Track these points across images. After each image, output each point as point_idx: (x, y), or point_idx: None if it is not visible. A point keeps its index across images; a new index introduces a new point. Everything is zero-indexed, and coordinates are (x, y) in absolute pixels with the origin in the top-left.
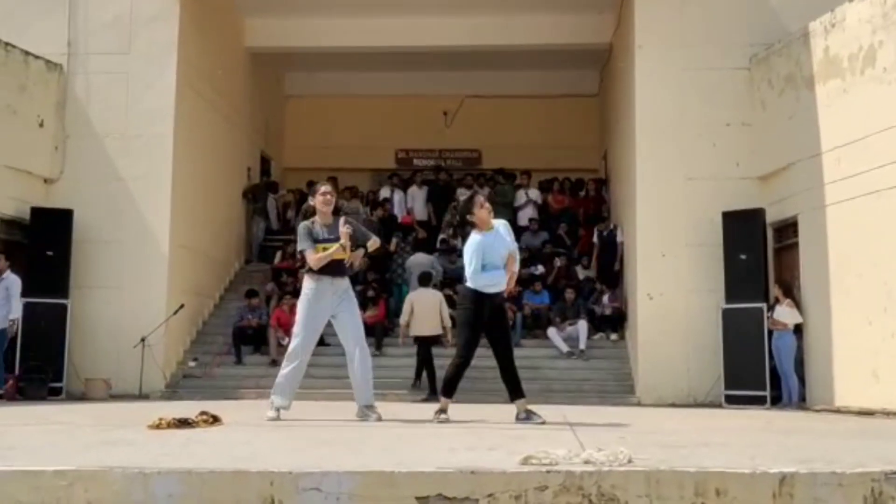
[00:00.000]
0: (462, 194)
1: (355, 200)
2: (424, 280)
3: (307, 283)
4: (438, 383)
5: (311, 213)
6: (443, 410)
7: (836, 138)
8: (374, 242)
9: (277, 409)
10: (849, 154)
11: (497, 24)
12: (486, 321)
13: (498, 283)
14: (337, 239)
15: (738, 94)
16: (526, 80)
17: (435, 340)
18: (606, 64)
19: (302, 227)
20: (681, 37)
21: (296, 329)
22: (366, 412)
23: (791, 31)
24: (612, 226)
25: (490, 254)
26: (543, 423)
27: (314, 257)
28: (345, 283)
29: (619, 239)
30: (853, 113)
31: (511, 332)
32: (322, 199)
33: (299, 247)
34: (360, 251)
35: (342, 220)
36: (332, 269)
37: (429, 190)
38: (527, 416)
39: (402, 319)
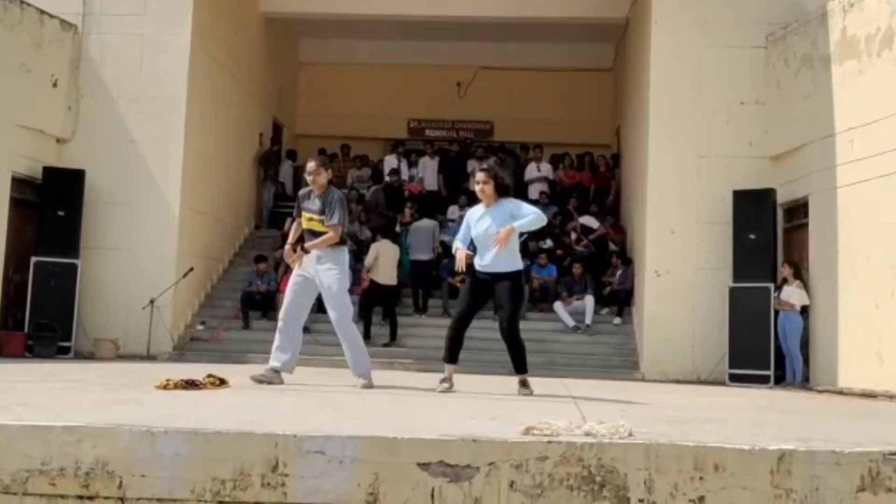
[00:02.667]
0: (472, 165)
1: (365, 169)
2: (384, 231)
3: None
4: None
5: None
6: (445, 379)
7: (849, 120)
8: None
9: (271, 369)
10: (862, 136)
11: None
12: (482, 293)
13: (482, 264)
14: (318, 211)
15: (754, 72)
16: (540, 53)
17: (391, 291)
18: (622, 39)
19: (299, 194)
20: (698, 13)
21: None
22: (362, 379)
23: (809, 11)
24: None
25: (474, 230)
26: (529, 394)
27: (285, 230)
28: (327, 257)
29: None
30: (868, 95)
31: (515, 307)
32: (308, 177)
33: (295, 214)
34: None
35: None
36: (310, 238)
37: (440, 160)
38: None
39: (367, 263)
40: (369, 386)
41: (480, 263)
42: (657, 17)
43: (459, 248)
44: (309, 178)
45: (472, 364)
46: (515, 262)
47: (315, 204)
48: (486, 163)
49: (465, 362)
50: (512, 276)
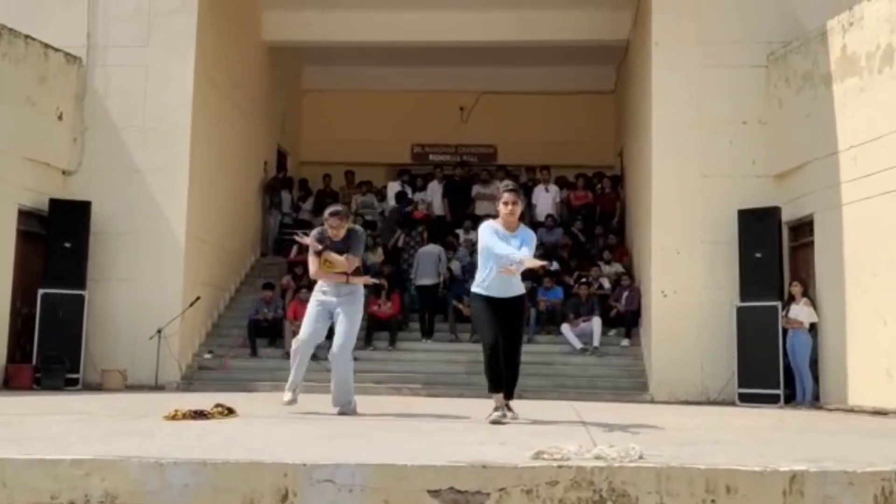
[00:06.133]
0: (476, 190)
1: (370, 195)
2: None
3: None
4: None
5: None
6: (496, 408)
7: (852, 137)
8: (350, 261)
9: (290, 390)
10: (865, 153)
11: (513, 19)
12: (497, 315)
13: (497, 289)
14: (338, 251)
15: (756, 91)
16: (542, 77)
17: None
18: (623, 60)
19: (316, 230)
20: (698, 34)
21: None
22: (343, 411)
23: (809, 29)
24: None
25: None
26: (506, 419)
27: (312, 269)
28: (348, 287)
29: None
30: (870, 112)
31: (519, 333)
32: (331, 230)
33: (311, 248)
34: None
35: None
36: (334, 276)
37: (445, 185)
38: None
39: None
40: (351, 412)
41: (489, 291)
42: (657, 38)
43: (525, 258)
44: (332, 232)
45: (474, 388)
46: (522, 287)
47: (337, 246)
48: (506, 183)
49: (464, 386)
50: (523, 300)
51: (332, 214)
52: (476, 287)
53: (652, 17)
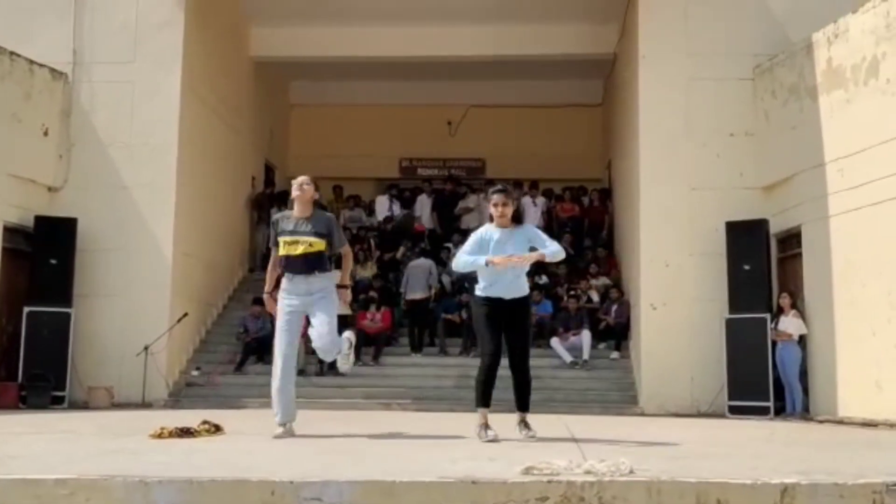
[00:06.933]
0: (463, 204)
1: (358, 209)
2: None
3: (282, 281)
4: None
5: (292, 204)
6: (485, 426)
7: (839, 149)
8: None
9: (283, 425)
10: (852, 165)
11: (501, 34)
12: (499, 323)
13: (498, 291)
14: (307, 233)
15: (742, 104)
16: (530, 90)
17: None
18: (610, 74)
19: (272, 220)
20: (684, 47)
21: (276, 335)
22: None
23: (795, 42)
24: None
25: (493, 254)
26: (533, 436)
27: (273, 259)
28: (321, 282)
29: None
30: (856, 124)
31: (530, 337)
32: (296, 192)
33: (270, 243)
34: (345, 293)
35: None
36: (302, 265)
37: (434, 199)
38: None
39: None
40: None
41: (493, 292)
42: (644, 51)
43: (491, 258)
44: (298, 193)
45: (464, 402)
46: (527, 286)
47: (304, 226)
48: (495, 187)
49: (454, 401)
50: (528, 302)
51: (302, 176)
52: (478, 291)
53: (639, 30)
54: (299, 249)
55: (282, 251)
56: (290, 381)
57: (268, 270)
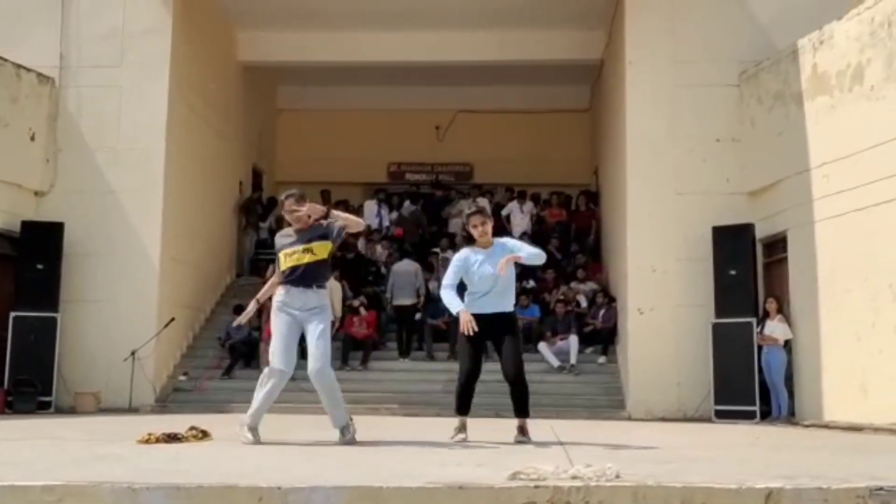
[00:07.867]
0: (451, 208)
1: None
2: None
3: (276, 293)
4: None
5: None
6: (460, 429)
7: (824, 155)
8: (356, 224)
9: (252, 429)
10: (837, 170)
11: (489, 39)
12: (485, 336)
13: (483, 307)
14: (309, 241)
15: (728, 110)
16: (517, 95)
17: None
18: (597, 79)
19: (278, 239)
20: (671, 53)
21: (272, 346)
22: (341, 435)
23: (780, 48)
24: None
25: (477, 275)
26: (522, 442)
27: (267, 277)
28: (315, 298)
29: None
30: (841, 130)
31: (520, 346)
32: (289, 216)
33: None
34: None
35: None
36: (301, 279)
37: (423, 204)
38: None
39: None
40: (352, 442)
41: (478, 308)
42: (631, 57)
43: (461, 311)
44: (296, 224)
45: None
46: (513, 301)
47: (306, 235)
48: (474, 205)
49: (441, 406)
50: (513, 315)
51: (289, 197)
52: (464, 305)
53: (625, 36)
54: (305, 259)
55: (285, 264)
56: (274, 386)
57: (268, 283)
